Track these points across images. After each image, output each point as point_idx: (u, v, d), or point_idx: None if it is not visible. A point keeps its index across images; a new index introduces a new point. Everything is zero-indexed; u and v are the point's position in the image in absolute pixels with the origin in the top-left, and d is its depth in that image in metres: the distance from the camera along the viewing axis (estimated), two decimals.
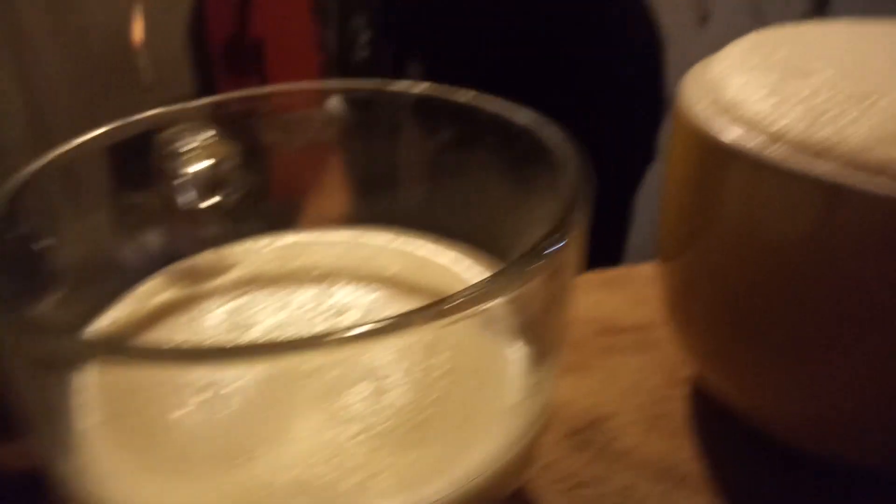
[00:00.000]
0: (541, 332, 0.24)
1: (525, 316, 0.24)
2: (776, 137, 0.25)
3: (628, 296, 0.43)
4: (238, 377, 0.23)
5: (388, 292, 0.29)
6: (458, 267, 0.31)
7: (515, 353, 0.25)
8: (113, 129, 0.29)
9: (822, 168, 0.23)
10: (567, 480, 0.31)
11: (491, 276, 0.19)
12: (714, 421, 0.34)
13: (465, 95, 0.30)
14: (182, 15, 0.95)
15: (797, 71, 0.27)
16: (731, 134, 0.26)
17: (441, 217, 0.33)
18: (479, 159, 0.30)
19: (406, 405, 0.23)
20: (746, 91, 0.27)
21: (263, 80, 1.55)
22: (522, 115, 0.28)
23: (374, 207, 0.36)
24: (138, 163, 0.30)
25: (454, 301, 0.18)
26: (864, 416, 0.26)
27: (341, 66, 0.85)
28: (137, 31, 0.93)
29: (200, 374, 0.23)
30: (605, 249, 0.79)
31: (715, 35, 0.38)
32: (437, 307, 0.18)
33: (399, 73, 0.77)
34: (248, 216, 0.33)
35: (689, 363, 0.35)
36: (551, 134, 0.26)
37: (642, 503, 0.30)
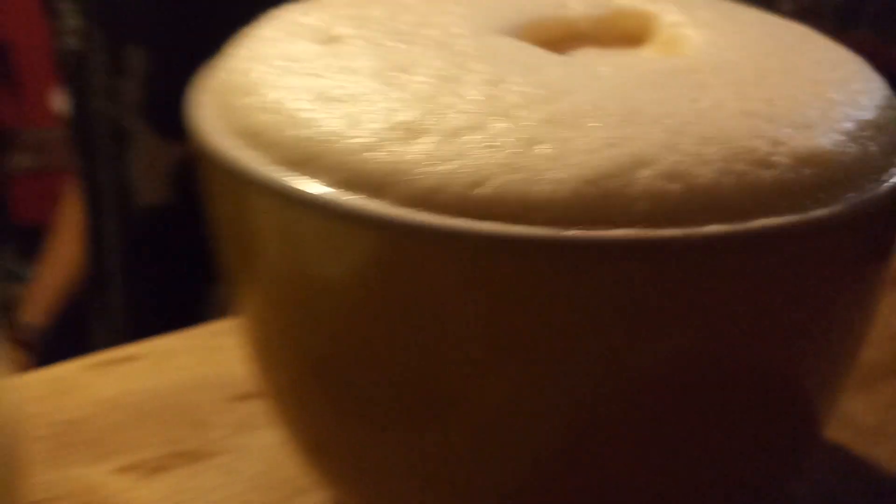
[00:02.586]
0: None
1: None
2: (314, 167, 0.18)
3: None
4: None
5: None
6: None
7: None
8: None
9: (379, 207, 0.18)
10: None
11: None
12: None
13: None
14: None
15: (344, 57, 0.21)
16: (252, 161, 0.19)
17: None
18: None
19: None
20: (285, 99, 0.20)
21: (13, 85, 1.43)
22: None
23: None
24: None
25: None
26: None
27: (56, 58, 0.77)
28: None
29: None
30: None
31: None
32: None
33: (118, 63, 0.71)
34: None
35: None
36: None
37: None
